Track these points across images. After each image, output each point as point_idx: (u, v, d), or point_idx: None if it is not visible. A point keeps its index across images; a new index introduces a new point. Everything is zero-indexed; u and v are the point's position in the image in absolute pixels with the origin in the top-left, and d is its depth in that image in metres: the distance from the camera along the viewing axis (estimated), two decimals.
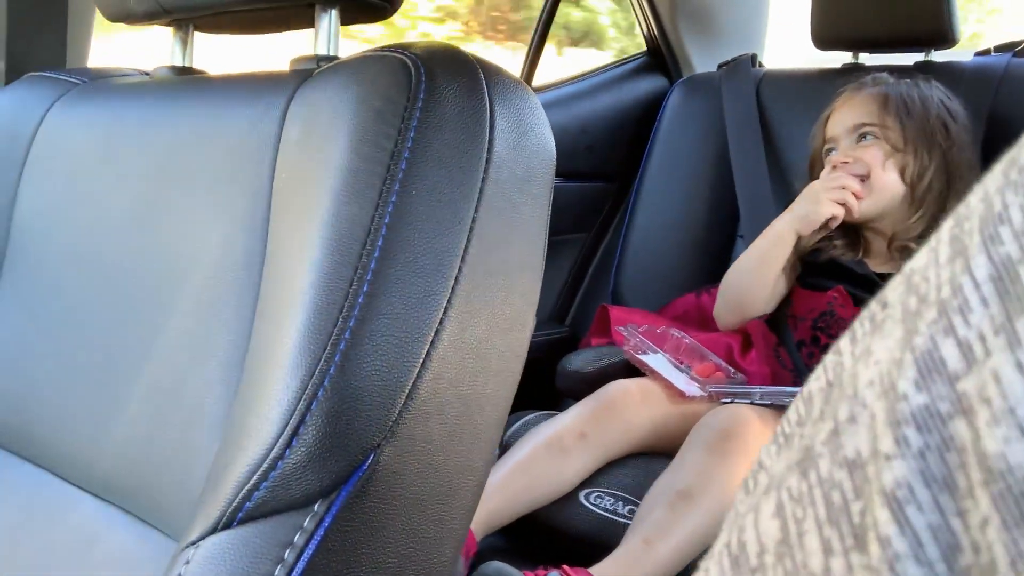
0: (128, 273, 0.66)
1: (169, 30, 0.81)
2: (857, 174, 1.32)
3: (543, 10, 1.72)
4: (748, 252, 1.39)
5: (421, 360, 0.50)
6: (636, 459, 1.24)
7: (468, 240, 0.53)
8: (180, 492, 0.57)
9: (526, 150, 0.58)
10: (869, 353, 0.18)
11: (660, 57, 1.89)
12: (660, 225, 1.70)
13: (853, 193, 1.30)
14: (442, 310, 0.51)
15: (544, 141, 0.60)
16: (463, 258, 0.52)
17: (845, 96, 1.43)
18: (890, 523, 0.15)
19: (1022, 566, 0.13)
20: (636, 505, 1.15)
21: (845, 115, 1.39)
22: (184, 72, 0.80)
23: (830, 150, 1.40)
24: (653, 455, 1.25)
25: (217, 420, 0.56)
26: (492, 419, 0.56)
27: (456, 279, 0.52)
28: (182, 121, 0.70)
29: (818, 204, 1.31)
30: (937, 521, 0.15)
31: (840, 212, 1.30)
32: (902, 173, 1.32)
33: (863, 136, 1.35)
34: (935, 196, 1.31)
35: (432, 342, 0.50)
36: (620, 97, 1.82)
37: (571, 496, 1.19)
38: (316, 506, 0.46)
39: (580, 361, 1.44)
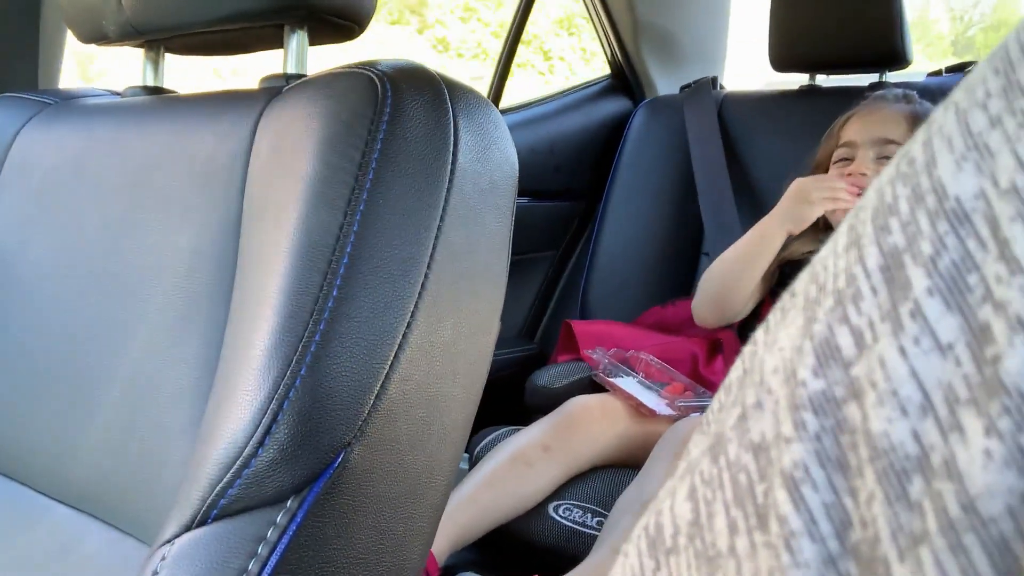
0: (99, 286, 0.68)
1: (141, 51, 0.83)
2: None
3: (510, 30, 1.76)
4: (733, 250, 1.36)
5: (389, 362, 0.52)
6: (602, 472, 1.26)
7: (434, 248, 0.55)
8: (153, 497, 0.58)
9: (490, 162, 0.60)
10: (775, 341, 0.19)
11: (624, 80, 1.93)
12: (626, 242, 1.73)
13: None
14: (409, 314, 0.53)
15: (507, 154, 0.62)
16: (429, 265, 0.54)
17: (870, 105, 1.39)
18: (787, 502, 0.16)
19: (902, 539, 0.14)
20: (604, 516, 1.16)
21: (870, 125, 1.34)
22: (155, 92, 0.82)
23: (844, 157, 1.36)
24: (619, 468, 1.26)
25: (189, 425, 0.57)
26: (459, 421, 0.58)
27: (423, 285, 0.54)
28: (153, 138, 0.71)
29: (810, 204, 1.28)
30: (831, 500, 0.16)
31: (830, 207, 1.28)
32: None
33: (885, 155, 1.31)
34: None
35: (400, 345, 0.52)
36: (586, 118, 1.85)
37: (540, 509, 1.21)
38: (288, 503, 0.48)
39: (548, 377, 1.46)
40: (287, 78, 0.70)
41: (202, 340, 0.59)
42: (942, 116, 0.18)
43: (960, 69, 1.62)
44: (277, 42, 0.75)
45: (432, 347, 0.55)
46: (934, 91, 1.49)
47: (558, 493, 1.22)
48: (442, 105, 0.58)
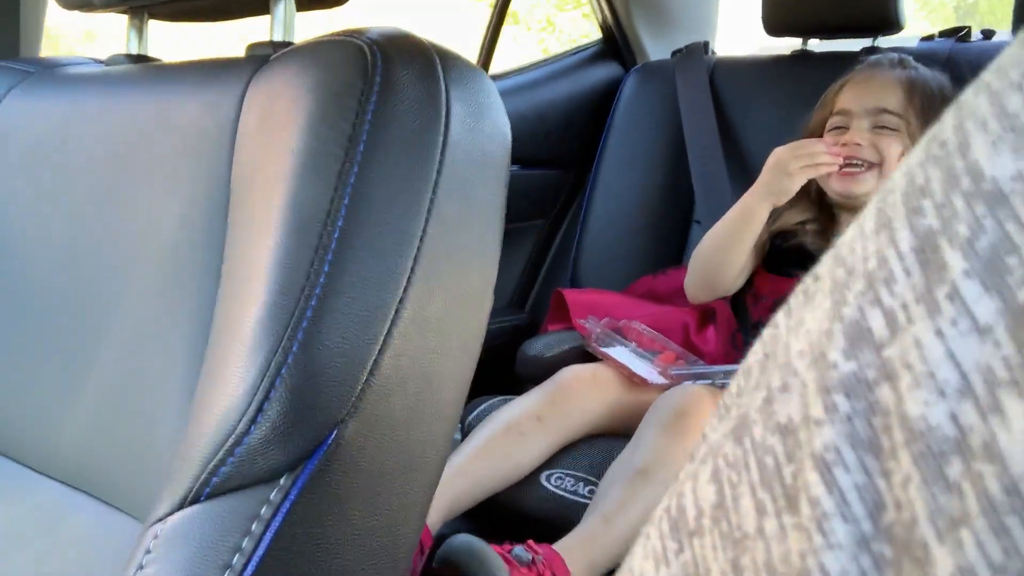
0: (86, 258, 0.67)
1: (125, 18, 0.81)
2: (868, 160, 1.27)
3: (490, 21, 1.73)
4: (719, 227, 1.34)
5: (382, 338, 0.51)
6: (594, 441, 1.27)
7: (426, 221, 0.54)
8: (144, 472, 0.58)
9: (482, 133, 0.59)
10: (801, 324, 0.19)
11: (615, 45, 1.91)
12: (617, 211, 1.73)
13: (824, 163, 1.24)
14: (402, 289, 0.52)
15: (500, 125, 0.61)
16: (422, 239, 0.54)
17: (866, 71, 1.36)
18: (819, 484, 0.16)
19: (941, 521, 0.14)
20: (595, 485, 1.17)
21: (866, 93, 1.32)
22: (139, 60, 0.80)
23: (839, 126, 1.33)
24: (610, 437, 1.27)
25: (180, 400, 0.57)
26: (453, 395, 0.57)
27: (415, 259, 0.53)
28: (139, 108, 0.70)
29: (789, 175, 1.25)
30: (863, 481, 0.16)
31: (812, 175, 1.25)
32: None
33: (881, 124, 1.29)
34: None
35: (393, 320, 0.52)
36: (577, 85, 1.84)
37: (532, 478, 1.22)
38: (282, 480, 0.48)
39: (539, 346, 1.46)
40: (274, 46, 0.68)
41: (192, 313, 0.59)
42: (973, 98, 0.17)
43: (953, 34, 1.61)
44: (263, 8, 0.73)
45: (425, 322, 0.54)
46: (927, 56, 1.48)
47: (550, 462, 1.23)
48: (433, 74, 0.57)
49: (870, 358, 0.16)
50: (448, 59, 0.59)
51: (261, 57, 0.65)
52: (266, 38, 0.70)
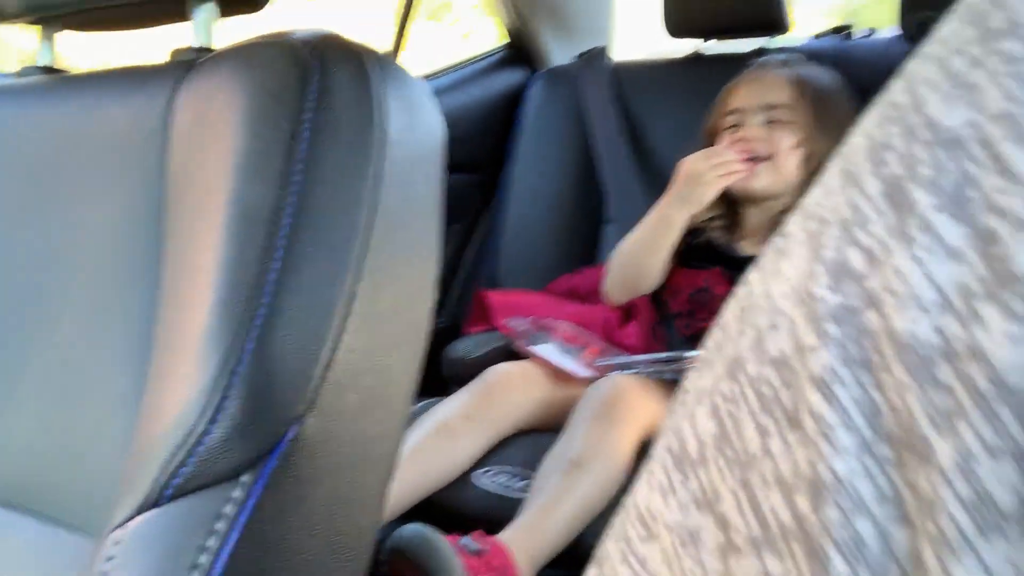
0: (12, 272, 0.65)
1: (36, 29, 0.79)
2: (761, 154, 1.33)
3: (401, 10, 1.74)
4: (638, 234, 1.38)
5: (335, 332, 0.52)
6: (525, 436, 1.29)
7: (371, 217, 0.55)
8: (86, 484, 0.57)
9: (418, 130, 0.60)
10: (778, 273, 0.21)
11: (520, 50, 1.94)
12: (530, 212, 1.76)
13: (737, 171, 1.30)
14: (352, 284, 0.53)
15: (433, 122, 0.62)
16: (368, 234, 0.54)
17: (755, 71, 1.43)
18: (820, 402, 0.18)
19: (938, 417, 0.16)
20: (530, 480, 1.19)
21: (755, 91, 1.38)
22: (52, 71, 0.78)
23: (733, 124, 1.39)
24: (541, 432, 1.29)
25: (123, 407, 0.56)
26: (402, 389, 0.58)
27: (363, 255, 0.54)
28: (58, 117, 0.69)
29: (705, 184, 1.30)
30: (860, 394, 0.18)
31: (726, 183, 1.30)
32: (805, 160, 1.33)
33: (771, 118, 1.35)
34: None
35: (344, 315, 0.52)
36: (485, 89, 1.86)
37: (466, 477, 1.22)
38: (244, 477, 0.48)
39: (463, 348, 1.47)
40: (197, 52, 0.68)
41: (130, 319, 0.58)
42: (921, 66, 0.20)
43: (838, 32, 1.71)
44: (181, 15, 0.73)
45: (375, 317, 0.55)
46: (816, 53, 1.56)
47: (483, 460, 1.24)
48: (366, 73, 0.58)
49: (854, 290, 0.18)
50: (378, 59, 0.60)
51: (186, 63, 0.65)
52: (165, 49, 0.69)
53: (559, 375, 1.30)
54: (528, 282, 1.67)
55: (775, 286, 0.21)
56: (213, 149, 0.55)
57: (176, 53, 0.69)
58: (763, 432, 0.19)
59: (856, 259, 0.19)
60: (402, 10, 1.73)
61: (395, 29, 1.74)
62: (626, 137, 1.71)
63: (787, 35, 1.69)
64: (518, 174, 1.78)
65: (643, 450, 1.16)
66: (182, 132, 0.59)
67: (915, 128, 0.19)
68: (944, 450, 0.16)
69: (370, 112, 0.56)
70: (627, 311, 1.47)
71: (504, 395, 1.26)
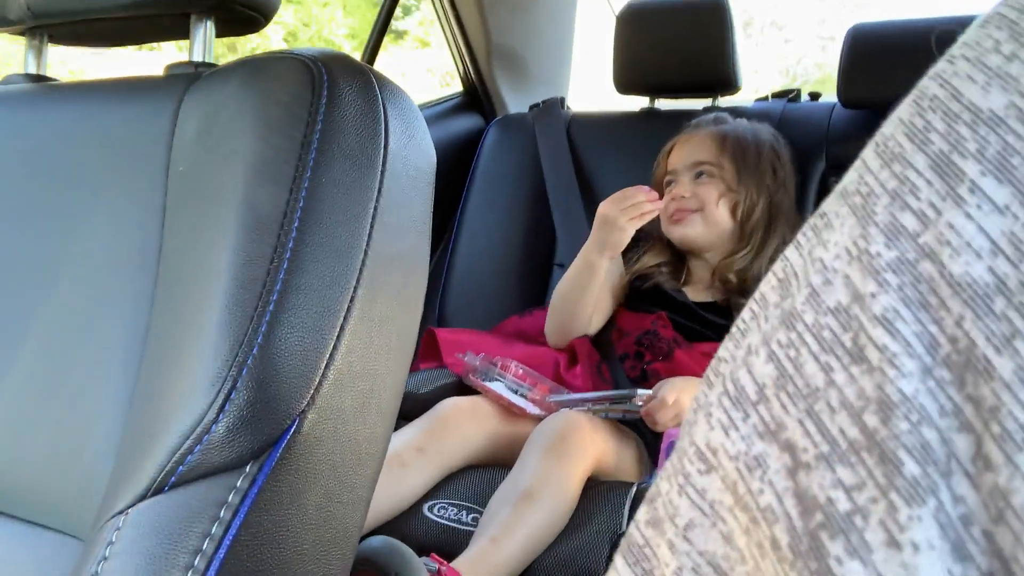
0: (7, 271, 0.65)
1: (23, 39, 0.80)
2: (692, 208, 1.45)
3: (376, 23, 1.77)
4: (566, 280, 1.47)
5: (336, 334, 0.54)
6: (475, 470, 1.30)
7: (371, 226, 0.57)
8: (73, 483, 0.57)
9: (415, 149, 0.63)
10: (825, 243, 0.23)
11: (476, 98, 1.99)
12: (482, 253, 1.79)
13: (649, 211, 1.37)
14: (352, 289, 0.55)
15: (427, 142, 0.65)
16: (368, 243, 0.57)
17: (688, 132, 1.55)
18: (884, 335, 0.21)
19: (995, 340, 0.19)
20: (479, 513, 1.20)
21: (686, 151, 1.51)
22: (39, 80, 0.79)
23: (670, 181, 1.52)
24: (491, 466, 1.30)
25: (111, 408, 0.56)
26: (393, 393, 0.60)
27: (363, 261, 0.56)
28: (52, 125, 0.70)
29: (620, 228, 1.36)
30: (919, 328, 0.20)
31: (639, 224, 1.37)
32: (733, 210, 1.44)
33: (700, 173, 1.47)
34: (760, 233, 1.44)
35: (344, 318, 0.54)
36: (442, 132, 1.90)
37: (415, 509, 1.23)
38: (248, 467, 0.49)
39: (413, 383, 1.48)
40: (196, 66, 0.70)
41: (123, 324, 0.59)
42: (950, 66, 0.23)
43: (783, 95, 1.80)
44: (177, 32, 0.75)
45: (371, 321, 0.57)
46: (762, 114, 1.65)
47: (432, 492, 1.24)
48: (372, 91, 0.61)
49: (909, 245, 0.21)
50: (382, 78, 0.63)
51: (190, 75, 0.67)
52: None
53: (509, 411, 1.32)
54: (476, 322, 1.70)
55: (823, 253, 0.23)
56: (222, 156, 0.57)
57: (173, 67, 0.71)
58: (827, 368, 0.22)
59: (910, 221, 0.22)
60: (375, 34, 1.77)
61: (366, 51, 1.77)
62: (578, 185, 1.76)
63: (736, 95, 1.77)
64: (471, 216, 1.82)
65: (588, 485, 1.19)
66: (187, 138, 0.61)
67: (956, 112, 0.22)
68: (1005, 366, 0.19)
69: (375, 125, 0.59)
70: (573, 353, 1.50)
71: (455, 428, 1.28)
